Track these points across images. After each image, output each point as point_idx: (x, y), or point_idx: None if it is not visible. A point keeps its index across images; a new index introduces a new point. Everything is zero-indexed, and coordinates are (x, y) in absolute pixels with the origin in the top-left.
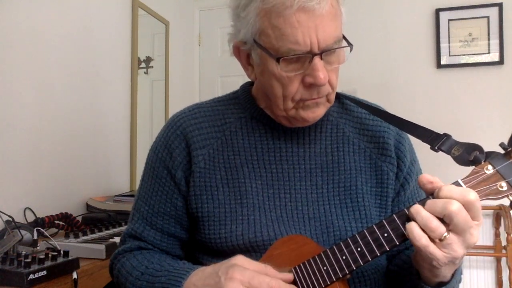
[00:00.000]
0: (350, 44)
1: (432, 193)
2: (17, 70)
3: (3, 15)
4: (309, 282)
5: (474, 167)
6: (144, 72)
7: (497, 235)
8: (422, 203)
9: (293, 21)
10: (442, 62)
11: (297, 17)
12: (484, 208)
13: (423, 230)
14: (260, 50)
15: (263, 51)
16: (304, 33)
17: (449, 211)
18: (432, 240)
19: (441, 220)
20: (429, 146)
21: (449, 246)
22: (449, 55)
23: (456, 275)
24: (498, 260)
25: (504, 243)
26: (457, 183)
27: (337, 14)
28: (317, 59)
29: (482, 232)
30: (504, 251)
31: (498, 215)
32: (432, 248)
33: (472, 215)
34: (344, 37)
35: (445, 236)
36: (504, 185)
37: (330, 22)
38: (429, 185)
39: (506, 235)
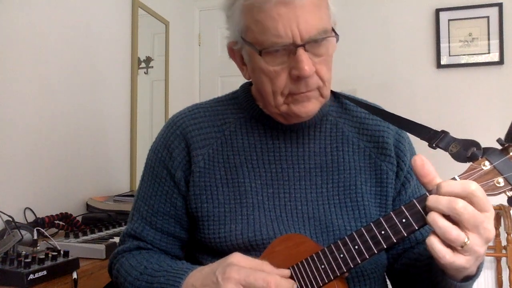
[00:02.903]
0: (336, 34)
1: (421, 176)
2: (17, 70)
3: (3, 15)
4: (307, 281)
5: (471, 163)
6: (144, 72)
7: (497, 235)
8: (420, 200)
9: (273, 14)
10: (442, 62)
11: (277, 10)
12: None
13: (443, 241)
14: (248, 47)
15: (250, 48)
16: (285, 25)
17: (455, 210)
18: (453, 246)
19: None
20: (427, 144)
21: (471, 249)
22: (449, 55)
23: (481, 266)
24: (498, 260)
25: (504, 243)
26: (453, 180)
27: (321, 5)
28: (300, 51)
29: None
30: (504, 251)
31: (498, 215)
32: (458, 261)
33: (479, 207)
34: (332, 29)
35: (465, 242)
36: (501, 181)
37: (312, 13)
38: (420, 161)
39: (506, 235)
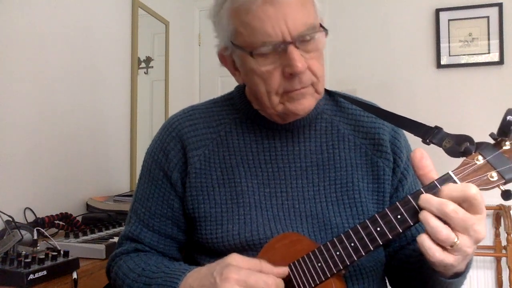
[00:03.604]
0: (325, 29)
1: (417, 168)
2: (17, 70)
3: (3, 15)
4: (304, 279)
5: (464, 158)
6: (144, 72)
7: (497, 235)
8: (414, 196)
9: (260, 14)
10: (442, 62)
11: (264, 10)
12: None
13: (433, 239)
14: (239, 50)
15: (240, 51)
16: (274, 24)
17: (445, 214)
18: (442, 245)
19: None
20: (421, 140)
21: (460, 249)
22: (449, 55)
23: (470, 264)
24: (498, 260)
25: (504, 243)
26: (448, 175)
27: (306, 2)
28: (291, 48)
29: None
30: (504, 251)
31: (498, 215)
32: (447, 260)
33: (474, 209)
34: (320, 25)
35: (455, 242)
36: (494, 175)
37: (298, 10)
38: (419, 155)
39: (506, 235)
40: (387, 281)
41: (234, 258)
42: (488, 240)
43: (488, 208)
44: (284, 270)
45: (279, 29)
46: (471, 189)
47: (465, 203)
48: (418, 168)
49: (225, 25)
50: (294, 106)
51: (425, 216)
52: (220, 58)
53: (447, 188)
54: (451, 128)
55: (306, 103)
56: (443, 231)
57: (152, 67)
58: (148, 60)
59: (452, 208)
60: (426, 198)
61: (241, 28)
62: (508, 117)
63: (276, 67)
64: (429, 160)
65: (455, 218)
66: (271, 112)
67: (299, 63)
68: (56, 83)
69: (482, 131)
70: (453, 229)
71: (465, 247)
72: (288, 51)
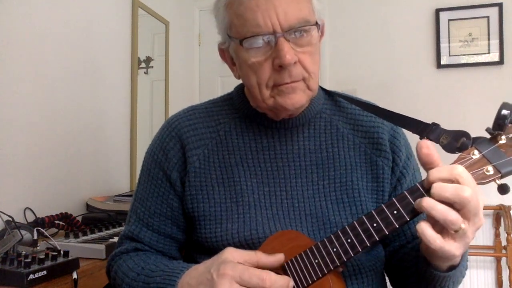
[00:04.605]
0: (317, 24)
1: (425, 164)
2: (17, 70)
3: (3, 15)
4: (301, 276)
5: (461, 153)
6: (144, 72)
7: (497, 235)
8: (411, 191)
9: (252, 5)
10: (442, 62)
11: (256, 1)
12: (484, 208)
13: (434, 226)
14: (233, 42)
15: (234, 43)
16: (264, 15)
17: (463, 198)
18: (444, 232)
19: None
20: (419, 137)
21: (464, 235)
22: (449, 55)
23: (465, 256)
24: (498, 260)
25: (504, 243)
26: None
27: None
28: (281, 39)
29: (482, 232)
30: (504, 251)
31: (498, 215)
32: (448, 247)
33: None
34: (316, 23)
35: (461, 226)
36: (490, 169)
37: (290, 3)
38: (426, 150)
39: (506, 235)
40: (387, 280)
41: (230, 253)
42: (488, 240)
43: (488, 208)
44: (280, 257)
45: (269, 20)
46: (457, 168)
47: (454, 182)
48: (425, 164)
49: (222, 17)
50: (283, 100)
51: (429, 201)
52: (220, 53)
53: (435, 171)
54: (451, 128)
55: (296, 98)
56: (452, 214)
57: (152, 67)
58: (148, 60)
59: (470, 192)
60: (440, 185)
61: (235, 19)
62: (503, 111)
63: (266, 58)
64: (436, 154)
65: (472, 202)
66: (263, 106)
67: (287, 55)
68: (56, 83)
69: (482, 131)
70: (462, 215)
71: (468, 233)
72: (277, 43)
